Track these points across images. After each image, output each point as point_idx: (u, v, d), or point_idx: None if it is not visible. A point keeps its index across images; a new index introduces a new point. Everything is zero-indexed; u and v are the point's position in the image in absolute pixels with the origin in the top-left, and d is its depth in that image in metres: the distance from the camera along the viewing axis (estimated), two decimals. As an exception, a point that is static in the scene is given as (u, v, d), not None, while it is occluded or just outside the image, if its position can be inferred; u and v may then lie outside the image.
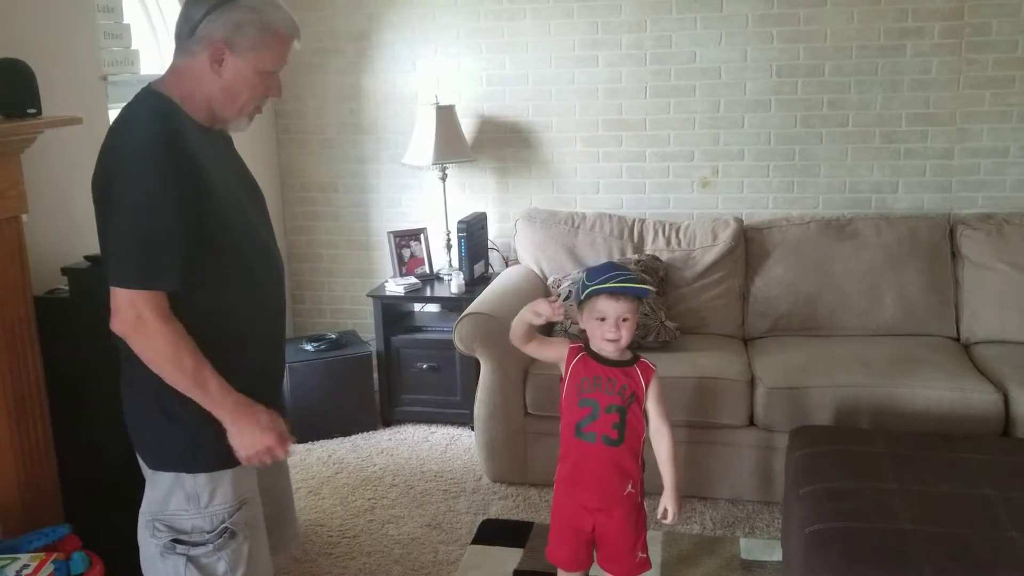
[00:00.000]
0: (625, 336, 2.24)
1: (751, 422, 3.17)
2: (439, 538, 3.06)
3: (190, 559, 1.77)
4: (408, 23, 4.05)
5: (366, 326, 4.15)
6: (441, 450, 3.74)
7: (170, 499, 1.77)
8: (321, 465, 3.64)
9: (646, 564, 2.37)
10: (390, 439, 3.86)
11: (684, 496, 3.20)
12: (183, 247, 1.65)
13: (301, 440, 3.82)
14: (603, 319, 2.23)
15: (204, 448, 1.76)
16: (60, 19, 2.83)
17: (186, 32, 1.72)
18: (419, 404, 3.95)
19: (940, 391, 3.01)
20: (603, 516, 2.31)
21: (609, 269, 2.26)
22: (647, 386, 2.28)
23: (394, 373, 3.94)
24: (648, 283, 3.44)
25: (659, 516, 2.35)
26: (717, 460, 3.20)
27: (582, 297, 2.27)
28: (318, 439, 3.84)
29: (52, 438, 2.69)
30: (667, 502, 2.32)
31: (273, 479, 2.03)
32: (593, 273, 2.27)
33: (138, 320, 1.64)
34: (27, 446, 2.61)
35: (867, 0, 3.66)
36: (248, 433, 1.73)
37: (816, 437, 2.68)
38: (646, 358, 2.34)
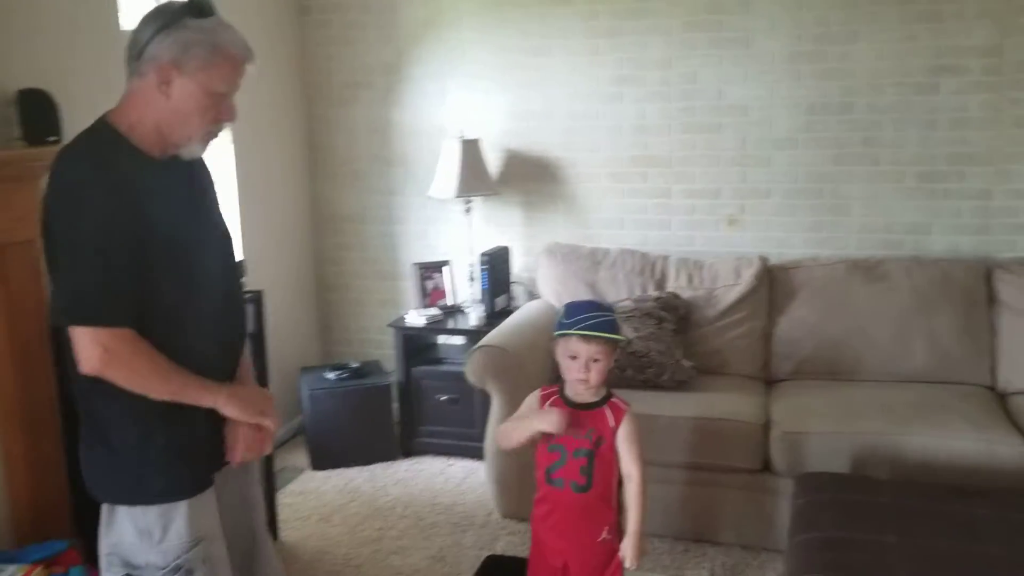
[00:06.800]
0: (595, 376, 2.22)
1: (767, 467, 3.07)
2: (442, 571, 3.04)
3: None
4: (437, 58, 4.12)
5: (392, 356, 4.18)
6: (456, 483, 3.72)
7: (124, 533, 1.77)
8: (336, 493, 3.66)
9: None
10: (407, 470, 3.86)
11: (695, 540, 3.16)
12: (129, 281, 1.67)
13: (320, 467, 3.86)
14: (574, 358, 2.22)
15: (148, 481, 1.76)
16: (86, 50, 2.93)
17: (135, 54, 1.71)
18: (438, 436, 3.95)
19: (964, 442, 2.88)
20: (575, 558, 2.29)
21: (586, 309, 2.27)
22: (617, 426, 2.24)
23: (414, 404, 3.96)
24: (672, 317, 3.41)
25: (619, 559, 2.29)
26: (731, 504, 3.11)
27: (555, 334, 2.27)
28: (337, 467, 3.87)
29: (64, 455, 2.76)
30: (626, 546, 2.26)
31: (245, 515, 2.03)
32: (571, 310, 2.28)
33: (107, 354, 1.65)
34: (39, 462, 2.68)
35: (901, 37, 3.57)
36: (243, 403, 1.82)
37: (820, 484, 2.59)
38: (620, 397, 2.31)
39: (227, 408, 1.81)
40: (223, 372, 1.89)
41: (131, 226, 1.66)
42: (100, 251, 1.64)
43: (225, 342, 1.92)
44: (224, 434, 1.88)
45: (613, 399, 2.31)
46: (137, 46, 1.71)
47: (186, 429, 1.80)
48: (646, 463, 2.29)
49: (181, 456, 1.80)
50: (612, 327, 2.25)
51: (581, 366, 2.22)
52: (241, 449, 1.87)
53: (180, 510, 1.77)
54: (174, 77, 1.69)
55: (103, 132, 1.74)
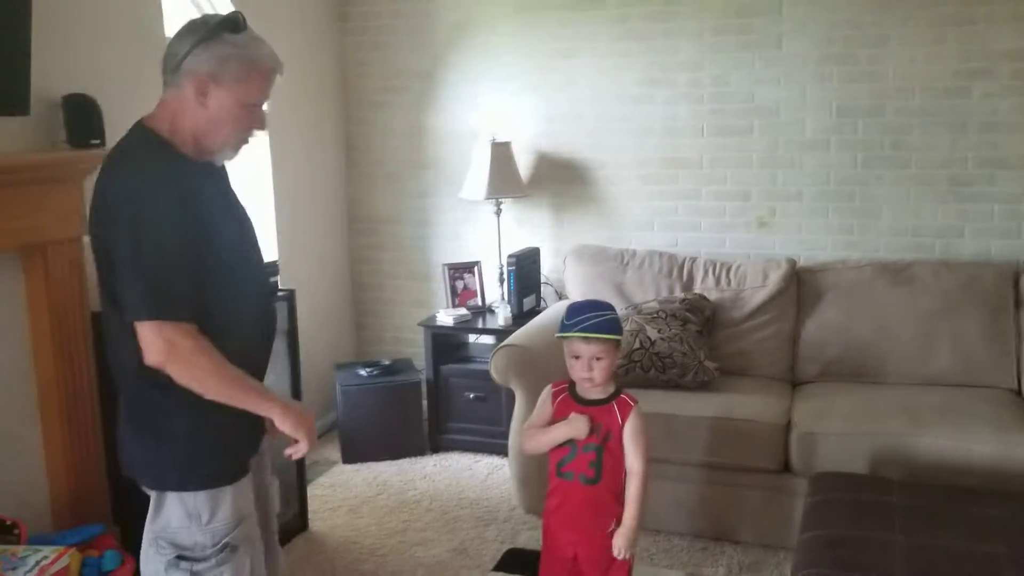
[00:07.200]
0: (599, 374, 2.28)
1: (786, 467, 3.09)
2: (463, 563, 3.11)
3: (193, 573, 1.85)
4: (470, 62, 4.20)
5: (422, 354, 4.26)
6: (482, 479, 3.80)
7: (172, 517, 1.85)
8: (365, 485, 3.76)
9: None
10: (435, 465, 3.95)
11: (714, 539, 3.18)
12: (189, 277, 1.74)
13: (351, 461, 3.97)
14: (577, 357, 2.28)
15: (198, 468, 1.84)
16: (129, 57, 3.05)
17: (172, 66, 1.79)
18: (466, 433, 4.04)
19: (984, 444, 2.86)
20: (584, 549, 2.34)
21: (586, 309, 2.32)
22: (623, 422, 2.29)
23: (443, 401, 4.04)
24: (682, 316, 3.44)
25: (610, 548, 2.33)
26: (750, 504, 3.13)
27: (556, 336, 2.33)
28: (367, 461, 3.97)
29: (102, 442, 2.90)
30: (618, 536, 2.31)
31: (263, 499, 2.09)
32: (572, 311, 2.33)
33: (171, 347, 1.71)
34: (78, 448, 2.82)
35: (932, 40, 3.56)
36: (298, 418, 1.86)
37: (832, 484, 2.61)
38: (628, 393, 2.35)
39: (281, 419, 1.85)
40: (260, 369, 1.98)
41: (189, 224, 1.75)
42: (166, 248, 1.71)
43: (263, 340, 2.01)
44: (259, 423, 1.95)
45: (622, 395, 2.36)
46: (174, 58, 1.79)
47: (235, 420, 1.86)
48: (650, 460, 2.33)
49: (230, 445, 1.89)
50: (611, 326, 2.31)
51: (584, 365, 2.29)
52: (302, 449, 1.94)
53: (226, 493, 1.86)
54: (211, 89, 1.78)
55: (150, 137, 1.82)
